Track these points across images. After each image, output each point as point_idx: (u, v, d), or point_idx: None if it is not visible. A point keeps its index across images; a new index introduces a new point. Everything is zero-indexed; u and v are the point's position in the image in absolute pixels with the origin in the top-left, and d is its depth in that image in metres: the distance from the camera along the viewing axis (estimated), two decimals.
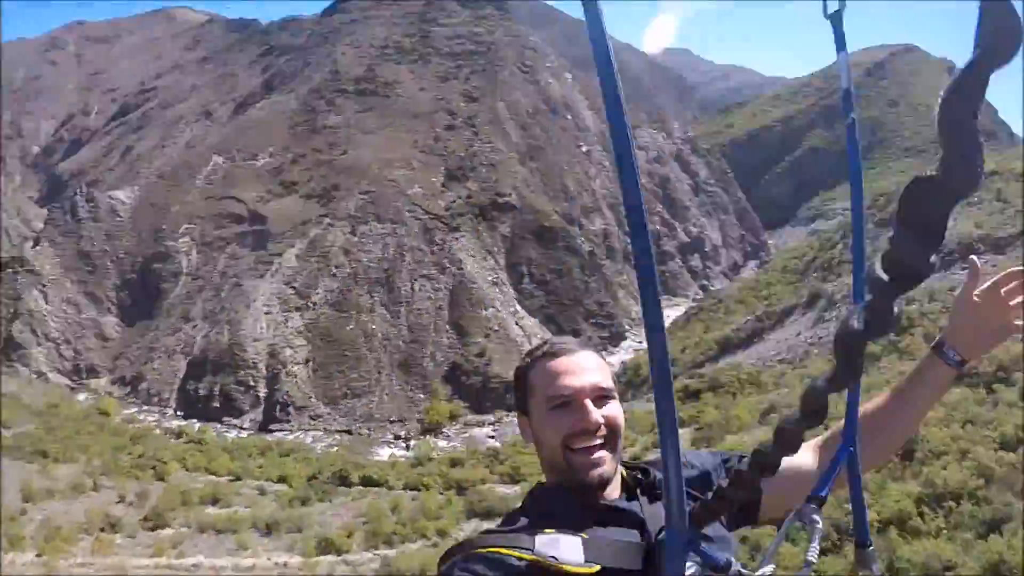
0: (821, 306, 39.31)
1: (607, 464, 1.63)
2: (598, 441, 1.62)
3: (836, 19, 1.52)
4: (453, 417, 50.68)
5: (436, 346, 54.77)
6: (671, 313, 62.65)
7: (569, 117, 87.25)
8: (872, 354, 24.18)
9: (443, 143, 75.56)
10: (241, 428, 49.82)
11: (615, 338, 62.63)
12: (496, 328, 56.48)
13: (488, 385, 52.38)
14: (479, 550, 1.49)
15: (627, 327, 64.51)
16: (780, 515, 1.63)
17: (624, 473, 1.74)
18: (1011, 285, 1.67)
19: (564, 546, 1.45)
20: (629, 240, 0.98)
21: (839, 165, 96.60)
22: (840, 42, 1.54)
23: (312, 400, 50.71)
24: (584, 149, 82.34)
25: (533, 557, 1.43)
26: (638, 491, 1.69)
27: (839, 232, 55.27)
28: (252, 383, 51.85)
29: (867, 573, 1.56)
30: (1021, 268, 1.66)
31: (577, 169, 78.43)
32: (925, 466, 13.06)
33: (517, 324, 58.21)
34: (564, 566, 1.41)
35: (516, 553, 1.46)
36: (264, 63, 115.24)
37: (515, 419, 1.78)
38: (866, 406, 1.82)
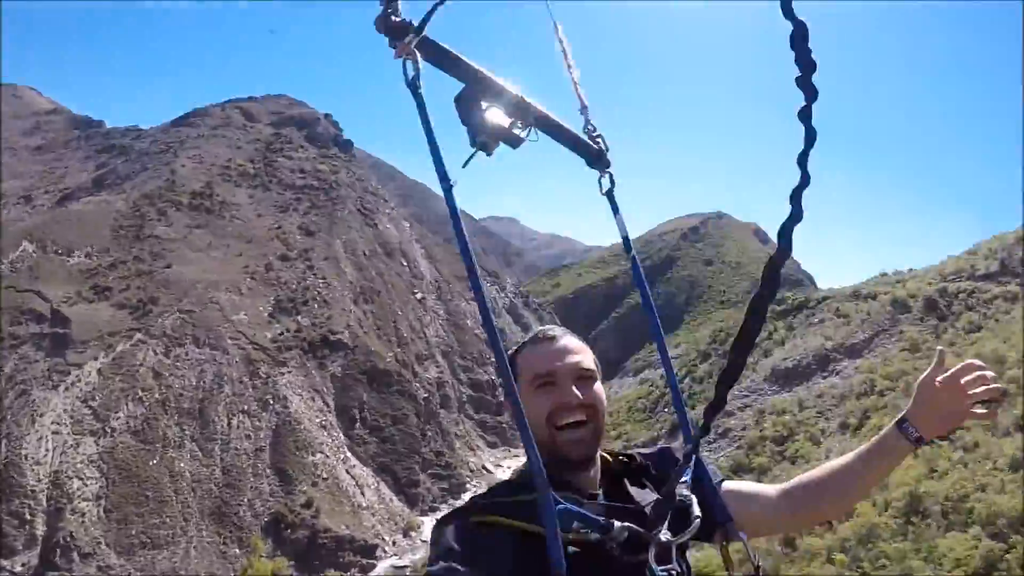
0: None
1: (589, 442, 1.70)
2: (581, 418, 1.68)
3: (610, 196, 2.12)
4: None
5: (255, 492, 46.17)
6: (513, 464, 59.19)
7: (405, 264, 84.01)
8: (762, 466, 25.51)
9: (275, 272, 69.49)
10: (12, 572, 38.24)
11: (456, 489, 56.91)
12: (325, 476, 48.88)
13: (317, 540, 44.25)
14: (478, 517, 1.54)
15: (467, 478, 59.47)
16: (751, 533, 1.79)
17: (610, 459, 1.81)
18: (969, 376, 1.80)
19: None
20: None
21: (662, 319, 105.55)
22: (615, 208, 2.12)
23: (102, 547, 40.13)
24: (419, 296, 78.77)
25: (519, 523, 1.49)
26: (625, 479, 1.78)
27: (683, 369, 55.31)
28: (29, 516, 40.35)
29: (735, 542, 1.72)
30: (978, 362, 1.82)
31: (411, 315, 74.28)
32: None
33: (348, 473, 50.88)
34: (565, 533, 1.43)
35: (504, 520, 1.51)
36: (99, 160, 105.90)
37: None
38: (831, 464, 1.98)
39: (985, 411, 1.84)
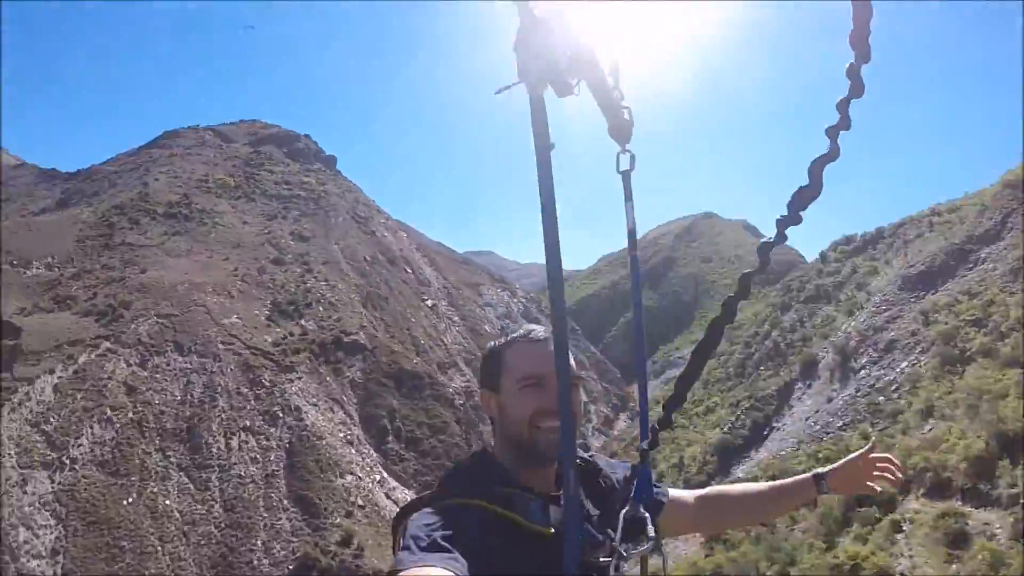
0: (829, 364, 33.62)
1: None
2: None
3: (626, 177, 1.88)
4: None
5: (272, 532, 32.05)
6: None
7: (409, 271, 71.30)
8: (984, 345, 23.85)
9: (269, 275, 56.31)
10: None
11: None
12: (360, 503, 35.03)
13: None
14: (447, 499, 1.53)
15: None
16: (669, 533, 1.97)
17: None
18: (883, 464, 2.18)
19: (529, 505, 1.53)
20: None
21: (672, 319, 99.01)
22: (628, 193, 1.87)
23: None
24: (429, 303, 65.74)
25: (498, 510, 1.49)
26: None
27: (753, 330, 49.94)
28: None
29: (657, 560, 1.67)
30: (895, 460, 2.21)
31: (424, 322, 61.17)
32: None
33: (388, 497, 37.12)
34: (527, 523, 1.49)
35: (482, 504, 1.50)
36: (64, 186, 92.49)
37: None
38: (747, 487, 2.27)
39: (879, 489, 2.21)
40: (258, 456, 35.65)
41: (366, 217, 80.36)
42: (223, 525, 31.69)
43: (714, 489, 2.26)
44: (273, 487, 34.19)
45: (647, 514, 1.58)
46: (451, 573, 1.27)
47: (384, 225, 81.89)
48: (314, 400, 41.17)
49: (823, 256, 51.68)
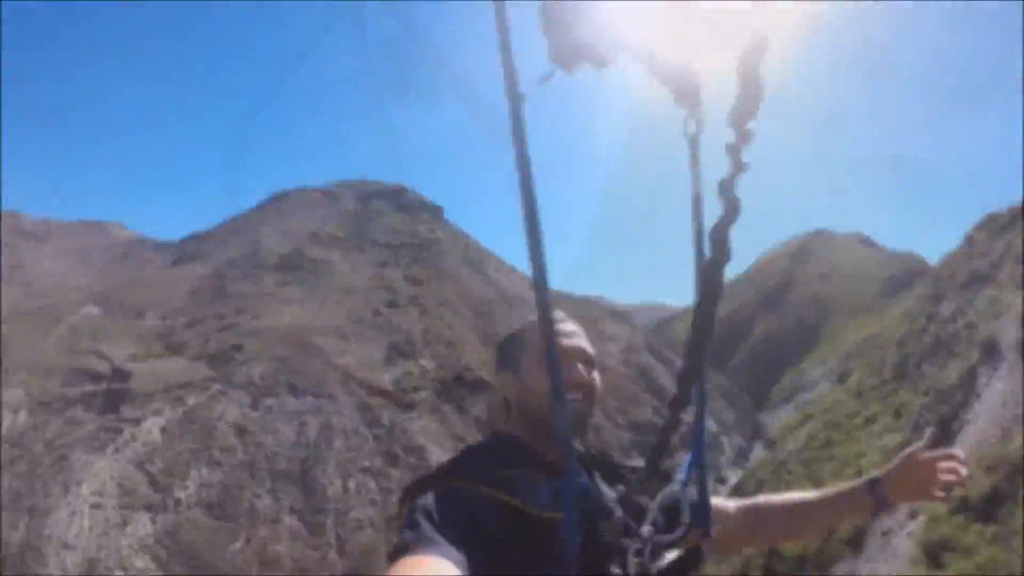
0: (1013, 342, 26.03)
1: (581, 419, 1.66)
2: (579, 396, 1.62)
3: (693, 141, 1.60)
4: None
5: None
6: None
7: (526, 309, 67.46)
8: None
9: (385, 317, 53.57)
10: None
11: None
12: None
13: None
14: (452, 483, 1.45)
15: None
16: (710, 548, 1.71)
17: (581, 449, 1.72)
18: (947, 464, 1.87)
19: (537, 489, 1.45)
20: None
21: (798, 343, 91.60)
22: (695, 158, 1.60)
23: None
24: None
25: (505, 496, 1.41)
26: (595, 471, 1.68)
27: (907, 326, 44.60)
28: None
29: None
30: (960, 454, 1.89)
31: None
32: None
33: None
34: (527, 507, 1.41)
35: (488, 491, 1.41)
36: (178, 251, 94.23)
37: None
38: (795, 497, 2.00)
39: (944, 495, 1.88)
40: (377, 499, 31.67)
41: (478, 260, 78.07)
42: (339, 573, 27.73)
43: (759, 498, 2.03)
44: (394, 531, 30.17)
45: (690, 492, 1.54)
46: (448, 562, 1.20)
47: (496, 267, 79.38)
48: (437, 440, 37.21)
49: (969, 239, 45.90)
